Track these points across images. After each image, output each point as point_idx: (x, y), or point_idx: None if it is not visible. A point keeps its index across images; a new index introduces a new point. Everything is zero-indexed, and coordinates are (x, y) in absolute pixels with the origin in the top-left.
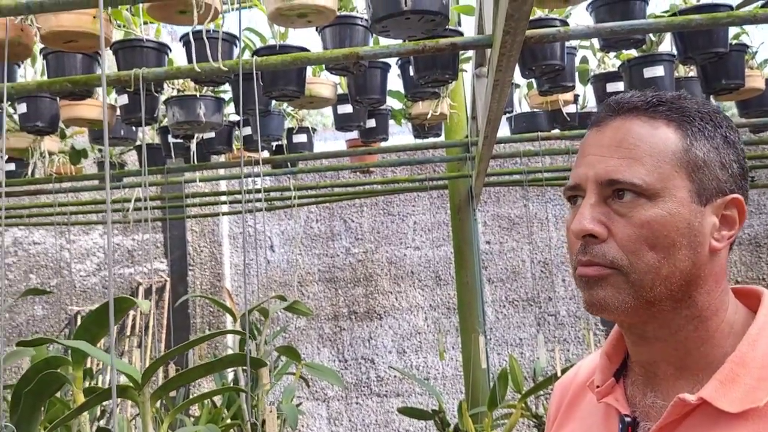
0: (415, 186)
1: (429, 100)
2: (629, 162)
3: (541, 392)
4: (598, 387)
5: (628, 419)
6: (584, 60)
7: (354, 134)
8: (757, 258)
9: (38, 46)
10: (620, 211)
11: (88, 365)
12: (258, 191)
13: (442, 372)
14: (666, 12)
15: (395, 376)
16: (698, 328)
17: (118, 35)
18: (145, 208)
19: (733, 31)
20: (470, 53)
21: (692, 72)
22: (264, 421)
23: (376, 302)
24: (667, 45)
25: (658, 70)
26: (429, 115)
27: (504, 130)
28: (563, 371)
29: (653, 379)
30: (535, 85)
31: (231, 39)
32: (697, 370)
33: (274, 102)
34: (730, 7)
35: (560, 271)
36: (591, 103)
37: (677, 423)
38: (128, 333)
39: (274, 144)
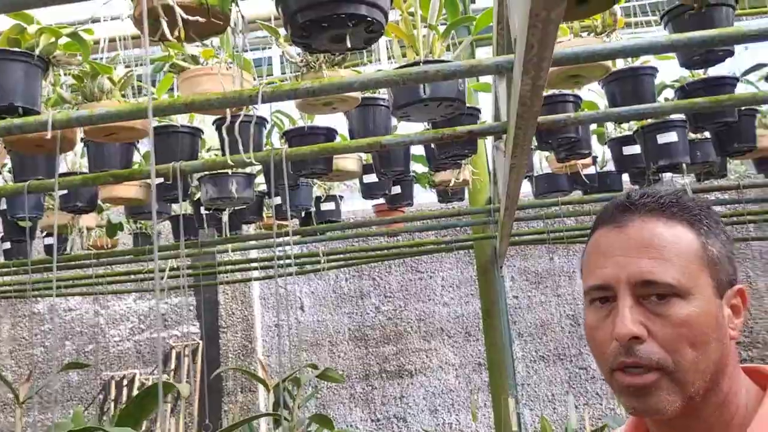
0: (441, 248)
1: (451, 169)
2: (661, 263)
3: None
4: None
5: None
6: (601, 124)
7: (380, 200)
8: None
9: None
10: (656, 311)
11: None
12: (288, 257)
13: (475, 430)
14: (676, 81)
15: None
16: (723, 413)
17: (154, 121)
18: (183, 276)
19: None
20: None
21: (706, 132)
22: None
23: (406, 360)
24: None
25: (672, 136)
26: (452, 183)
27: (526, 188)
28: None
29: None
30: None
31: (261, 122)
32: None
33: None
34: (736, 79)
35: None
36: (610, 164)
37: None
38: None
39: (304, 212)
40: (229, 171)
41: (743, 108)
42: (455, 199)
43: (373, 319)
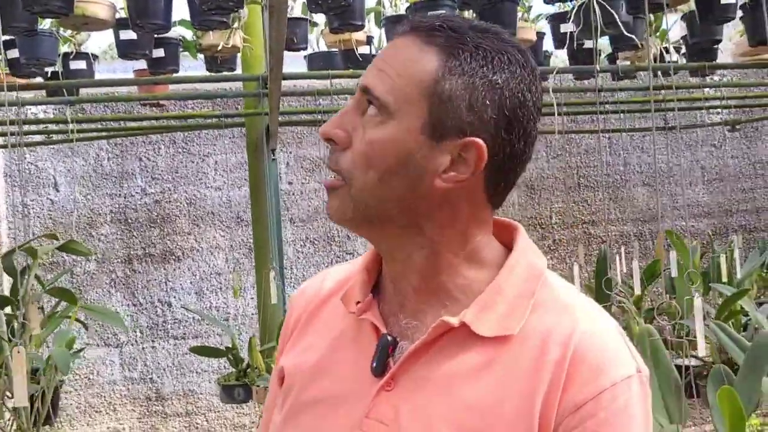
0: (212, 123)
1: (219, 30)
2: (383, 77)
3: None
4: (358, 303)
5: (390, 338)
6: (379, 2)
7: (142, 65)
8: (531, 200)
9: None
10: (363, 123)
11: None
12: (27, 123)
13: (242, 311)
14: None
15: (194, 318)
16: (429, 258)
17: None
18: None
19: None
20: None
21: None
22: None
23: (173, 244)
24: None
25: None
26: (220, 47)
27: (302, 69)
28: None
29: (401, 299)
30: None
31: None
32: (440, 297)
33: (47, 23)
34: None
35: None
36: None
37: (433, 343)
38: None
39: (48, 70)
40: None
41: None
42: (225, 69)
43: (138, 201)
